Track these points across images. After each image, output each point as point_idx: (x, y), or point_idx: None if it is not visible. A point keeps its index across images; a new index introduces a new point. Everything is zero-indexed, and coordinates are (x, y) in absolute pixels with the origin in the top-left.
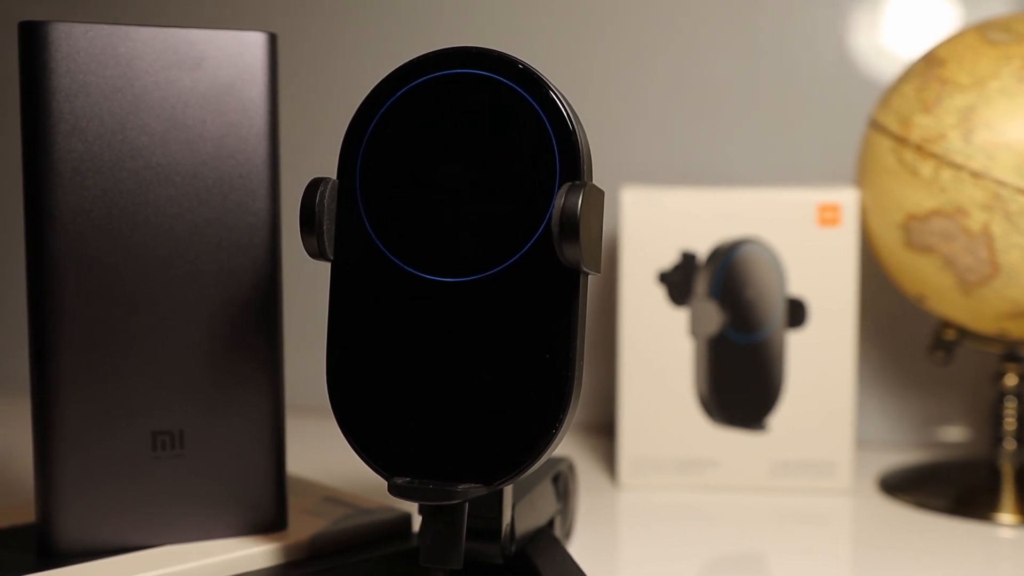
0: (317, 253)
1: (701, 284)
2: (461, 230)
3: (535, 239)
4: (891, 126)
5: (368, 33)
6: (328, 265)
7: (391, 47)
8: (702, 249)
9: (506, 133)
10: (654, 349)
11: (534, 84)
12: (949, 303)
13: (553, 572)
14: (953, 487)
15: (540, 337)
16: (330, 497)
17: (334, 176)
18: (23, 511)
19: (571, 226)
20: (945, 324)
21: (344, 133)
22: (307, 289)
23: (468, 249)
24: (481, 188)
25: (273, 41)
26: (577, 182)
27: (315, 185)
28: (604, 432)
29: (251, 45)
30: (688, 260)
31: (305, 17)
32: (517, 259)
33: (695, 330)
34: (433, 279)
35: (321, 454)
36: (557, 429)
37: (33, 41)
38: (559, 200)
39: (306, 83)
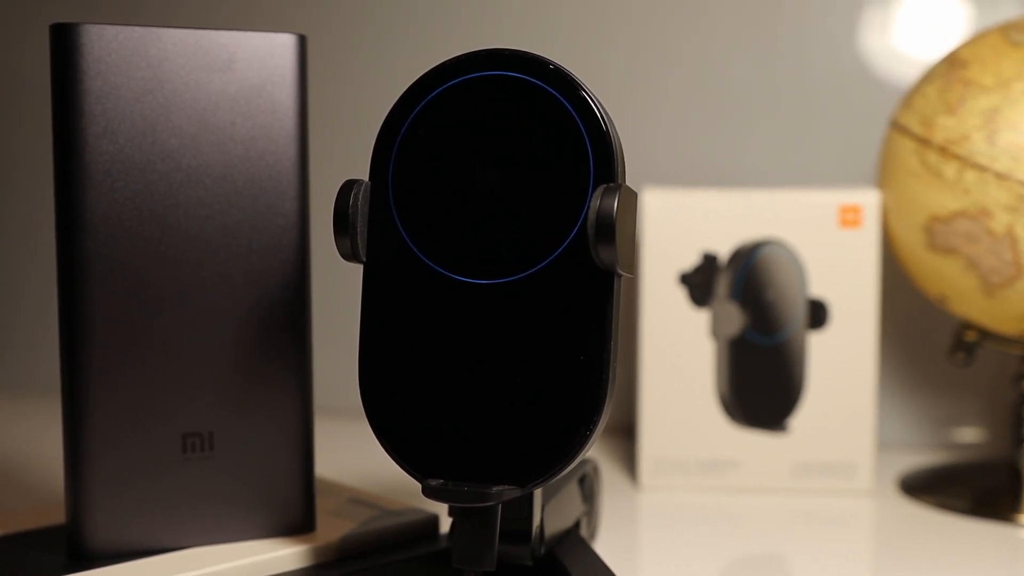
0: (350, 255)
1: (722, 285)
2: (494, 232)
3: (569, 241)
4: (913, 127)
5: (395, 36)
6: (357, 267)
7: (418, 50)
8: (723, 250)
9: (539, 135)
10: (675, 350)
11: (567, 86)
12: (971, 304)
13: (583, 574)
14: (974, 488)
15: (574, 339)
16: (355, 499)
17: (363, 177)
18: (53, 512)
19: (607, 228)
20: (966, 325)
21: (376, 135)
22: (334, 291)
23: (501, 251)
24: (514, 190)
25: (302, 43)
26: (612, 184)
27: (348, 187)
28: (624, 433)
29: (281, 47)
30: (709, 261)
31: (334, 19)
32: (551, 261)
33: (716, 331)
34: (466, 281)
35: (343, 455)
36: (591, 431)
37: (64, 43)
38: (594, 202)
39: (335, 85)
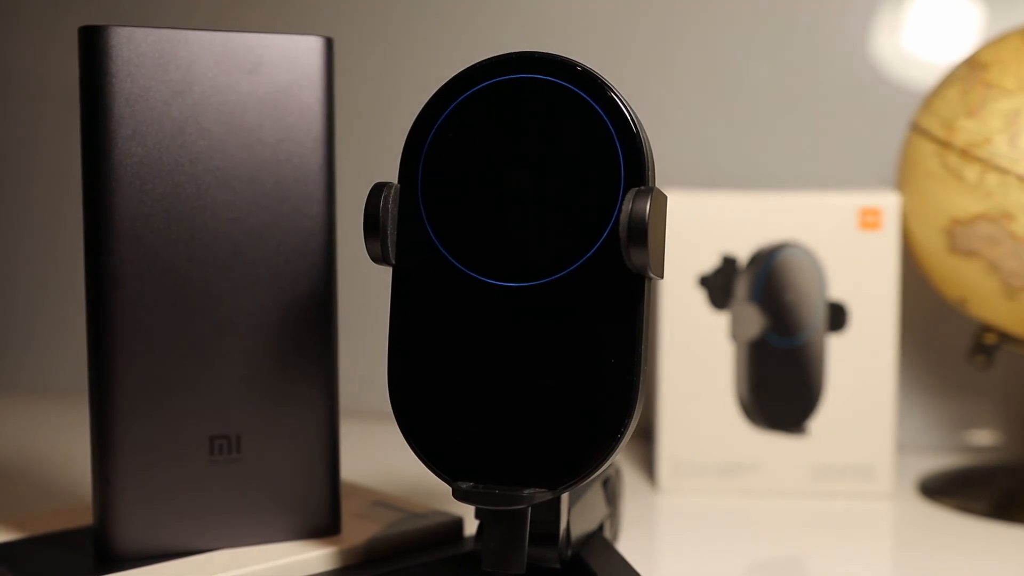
0: (380, 258)
1: (742, 288)
2: (524, 235)
3: (600, 244)
4: (934, 130)
5: (420, 39)
6: (383, 269)
7: (442, 53)
8: (743, 253)
9: (569, 137)
10: (694, 352)
11: (597, 88)
12: (992, 307)
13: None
14: (993, 491)
15: (605, 342)
16: (379, 501)
17: (389, 179)
18: (81, 514)
19: (639, 232)
20: (986, 328)
21: (400, 138)
22: (357, 293)
23: (531, 254)
24: (544, 193)
25: (329, 45)
26: (643, 187)
27: (378, 189)
28: (643, 435)
29: (308, 49)
30: (729, 264)
31: (359, 21)
32: (581, 264)
33: (735, 334)
34: (496, 284)
35: (363, 458)
36: (622, 434)
37: (94, 46)
38: (626, 205)
39: (361, 87)
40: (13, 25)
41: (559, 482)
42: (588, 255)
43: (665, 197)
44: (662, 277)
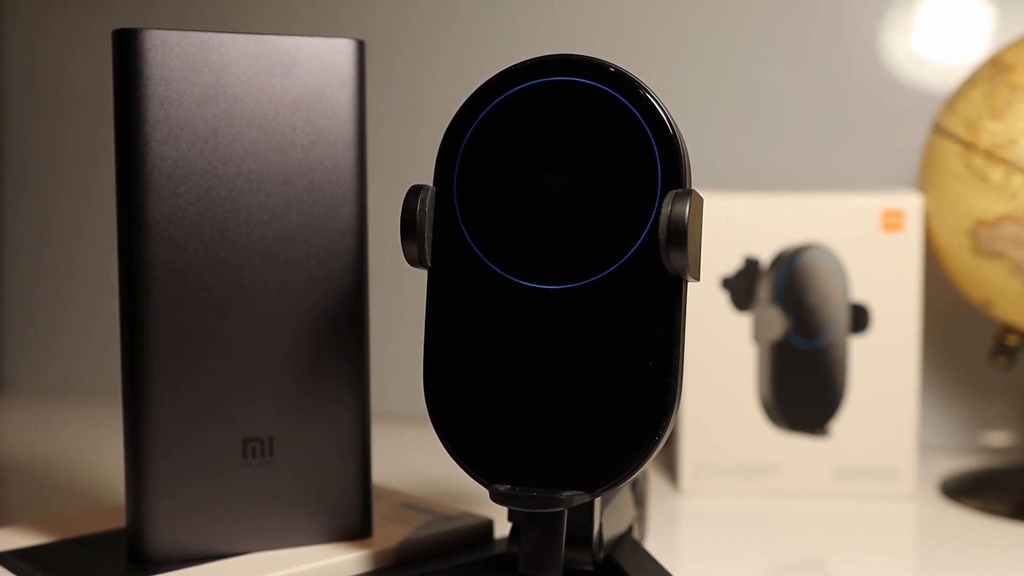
0: (416, 260)
1: (764, 289)
2: (561, 237)
3: (637, 246)
4: (958, 131)
5: (450, 42)
6: (413, 271)
7: (472, 56)
8: (765, 255)
9: (605, 140)
10: (717, 354)
11: (634, 91)
12: (1016, 308)
13: None
14: (1015, 492)
15: (642, 344)
16: (407, 503)
17: (420, 182)
18: (114, 516)
19: (679, 234)
20: (1007, 329)
21: (439, 141)
22: (389, 296)
23: (568, 256)
24: (581, 195)
25: (361, 48)
26: (682, 190)
27: (415, 192)
28: None
29: (340, 52)
30: (751, 265)
31: (391, 24)
32: (618, 266)
33: (758, 335)
34: (532, 286)
35: (389, 460)
36: (660, 436)
37: (127, 49)
38: (665, 207)
39: (391, 90)
40: (46, 29)
41: (597, 484)
42: (625, 258)
43: (702, 199)
44: (699, 279)
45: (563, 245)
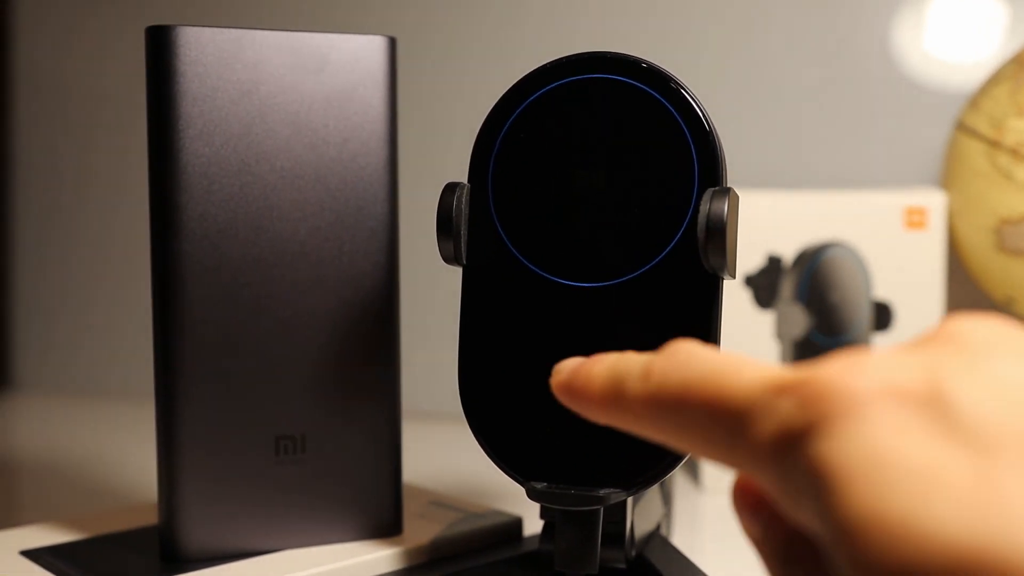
0: (452, 258)
1: (787, 287)
2: (596, 235)
3: (673, 244)
4: (982, 129)
5: (482, 39)
6: (445, 268)
7: (503, 54)
8: (788, 252)
9: (641, 137)
10: (739, 352)
11: (670, 88)
12: None
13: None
14: None
15: None
16: (436, 501)
17: (453, 179)
18: (146, 513)
19: (718, 232)
20: None
21: (473, 138)
22: (420, 293)
23: (604, 254)
24: (617, 193)
25: (393, 45)
26: (720, 188)
27: (451, 189)
28: None
29: (372, 49)
30: (774, 263)
31: (423, 21)
32: (655, 264)
33: (781, 333)
34: (568, 284)
35: (414, 457)
36: None
37: (161, 45)
38: (704, 206)
39: (422, 87)
40: (80, 26)
41: (634, 482)
42: (662, 255)
43: (738, 197)
44: (735, 277)
45: (598, 243)
